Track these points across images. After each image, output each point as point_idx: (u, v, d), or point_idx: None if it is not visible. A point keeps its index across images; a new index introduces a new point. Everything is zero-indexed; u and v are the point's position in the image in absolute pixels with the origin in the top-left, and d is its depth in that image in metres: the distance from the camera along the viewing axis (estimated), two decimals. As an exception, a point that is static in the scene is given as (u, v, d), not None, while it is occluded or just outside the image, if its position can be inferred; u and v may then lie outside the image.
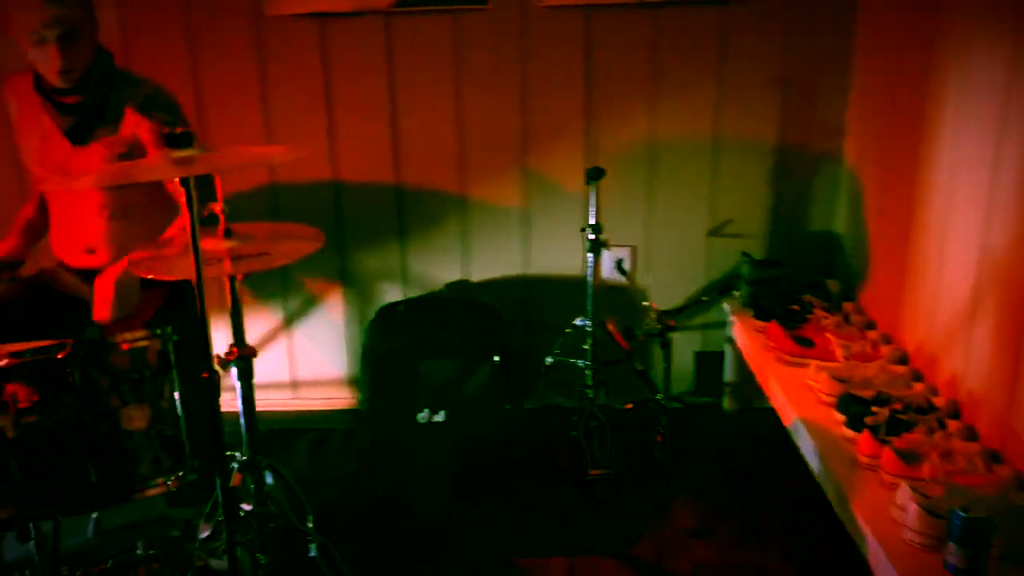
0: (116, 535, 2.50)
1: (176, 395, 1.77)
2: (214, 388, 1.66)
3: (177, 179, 1.54)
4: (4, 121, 2.43)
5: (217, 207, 1.87)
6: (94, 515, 2.42)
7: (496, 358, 2.94)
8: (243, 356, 1.97)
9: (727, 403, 3.14)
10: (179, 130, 1.59)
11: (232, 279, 1.91)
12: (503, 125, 2.95)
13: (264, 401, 3.24)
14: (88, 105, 2.29)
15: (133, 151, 2.32)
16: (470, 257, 3.09)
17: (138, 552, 2.09)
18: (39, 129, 2.34)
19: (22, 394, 1.57)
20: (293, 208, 3.04)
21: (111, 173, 1.85)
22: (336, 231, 3.06)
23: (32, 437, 1.55)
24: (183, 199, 2.30)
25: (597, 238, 2.75)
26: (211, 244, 1.87)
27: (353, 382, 3.20)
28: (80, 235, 2.42)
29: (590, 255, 2.76)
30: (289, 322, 3.18)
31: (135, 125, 2.30)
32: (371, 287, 3.14)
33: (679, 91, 2.90)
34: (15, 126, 2.40)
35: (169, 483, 1.71)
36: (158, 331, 1.72)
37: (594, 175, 2.69)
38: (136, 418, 1.65)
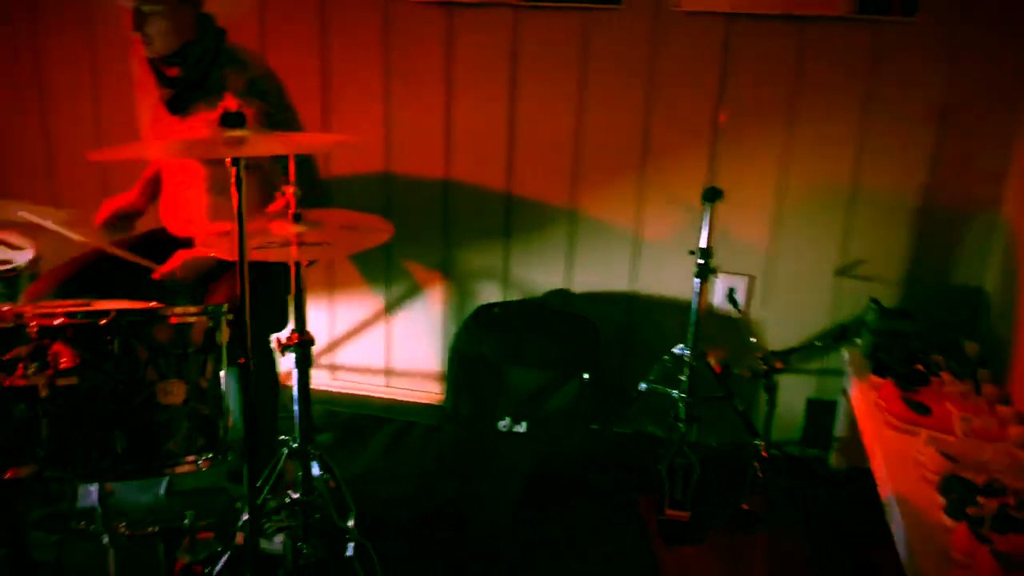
0: (186, 499, 2.55)
1: (222, 375, 1.74)
2: (250, 373, 1.61)
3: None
4: (130, 81, 2.51)
5: (289, 190, 1.83)
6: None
7: (586, 375, 2.80)
8: (302, 343, 1.93)
9: (834, 459, 2.87)
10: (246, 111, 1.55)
11: (297, 265, 1.88)
12: (623, 134, 2.80)
13: (357, 385, 3.24)
14: (187, 79, 2.30)
15: None
16: (574, 267, 2.96)
17: (185, 523, 2.10)
18: (152, 96, 2.39)
19: (65, 355, 1.58)
20: (404, 199, 3.00)
21: (156, 148, 1.84)
22: (443, 225, 3.00)
23: (65, 399, 1.55)
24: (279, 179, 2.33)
25: (707, 263, 2.56)
26: (279, 228, 1.84)
27: (444, 378, 3.14)
28: (183, 204, 2.47)
29: (697, 280, 2.57)
30: (389, 309, 3.16)
31: (235, 105, 2.30)
32: (471, 285, 3.06)
33: (819, 115, 2.65)
34: (135, 90, 2.47)
35: (200, 463, 1.69)
36: (209, 308, 1.69)
37: (710, 195, 2.50)
38: (172, 393, 1.63)
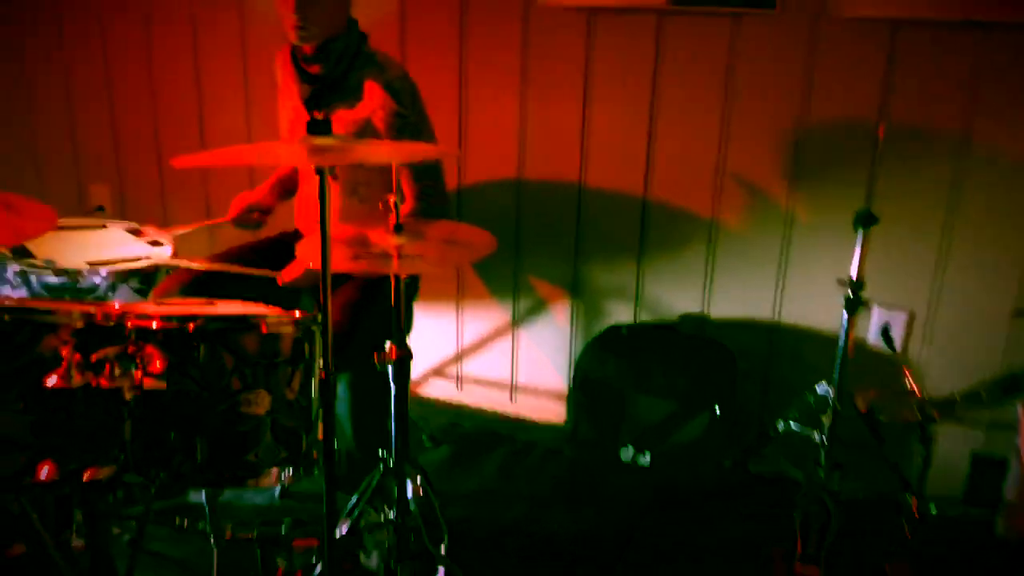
0: (301, 502, 2.55)
1: (314, 386, 1.69)
2: (331, 388, 1.55)
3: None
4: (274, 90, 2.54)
5: (391, 199, 1.77)
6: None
7: (719, 408, 2.59)
8: (400, 358, 1.86)
9: (1001, 526, 2.52)
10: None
11: (397, 278, 1.81)
12: (772, 149, 2.57)
13: (482, 398, 3.17)
14: (327, 77, 2.30)
15: (366, 132, 2.30)
16: (712, 290, 2.76)
17: (282, 530, 2.08)
18: (292, 99, 2.40)
19: (156, 359, 1.57)
20: (535, 209, 2.90)
21: (245, 152, 1.80)
22: (574, 239, 2.87)
23: (150, 403, 1.54)
24: (404, 185, 2.29)
25: (857, 295, 2.30)
26: (379, 237, 1.78)
27: (568, 399, 3.01)
28: (315, 206, 2.47)
29: (845, 313, 2.31)
30: (516, 323, 3.06)
31: (371, 108, 2.28)
32: (600, 303, 2.92)
33: (1002, 135, 2.33)
34: (278, 96, 2.50)
35: (283, 476, 1.64)
36: (297, 318, 1.64)
37: (864, 220, 2.24)
38: (256, 404, 1.59)
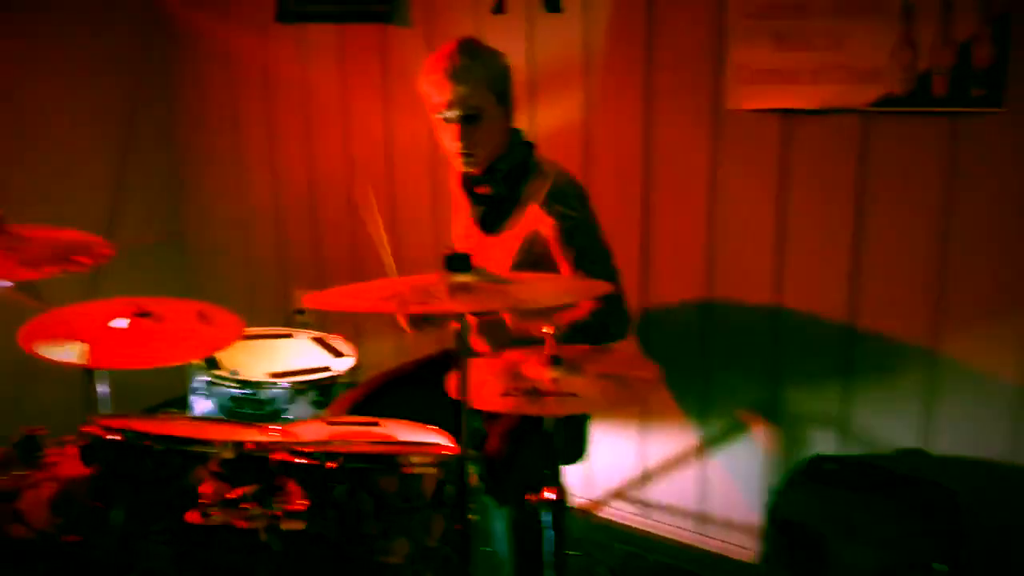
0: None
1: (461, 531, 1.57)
2: (469, 540, 1.42)
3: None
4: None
5: (549, 328, 1.64)
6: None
7: (941, 567, 2.21)
8: (556, 503, 1.71)
9: None
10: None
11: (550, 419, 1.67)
12: (1002, 262, 2.23)
13: (666, 526, 2.92)
14: (496, 196, 2.24)
15: (533, 244, 2.21)
16: (934, 422, 2.40)
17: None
18: (464, 213, 2.37)
19: (296, 496, 1.51)
20: (724, 324, 2.68)
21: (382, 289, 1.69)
22: (770, 358, 2.61)
23: (285, 544, 1.47)
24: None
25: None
26: (533, 370, 1.65)
27: (761, 536, 2.70)
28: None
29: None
30: (705, 447, 2.81)
31: (538, 217, 2.19)
32: (800, 430, 2.62)
33: None
34: (452, 213, 2.48)
35: (425, 632, 1.52)
36: (444, 459, 1.54)
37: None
38: (393, 552, 1.49)
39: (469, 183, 2.29)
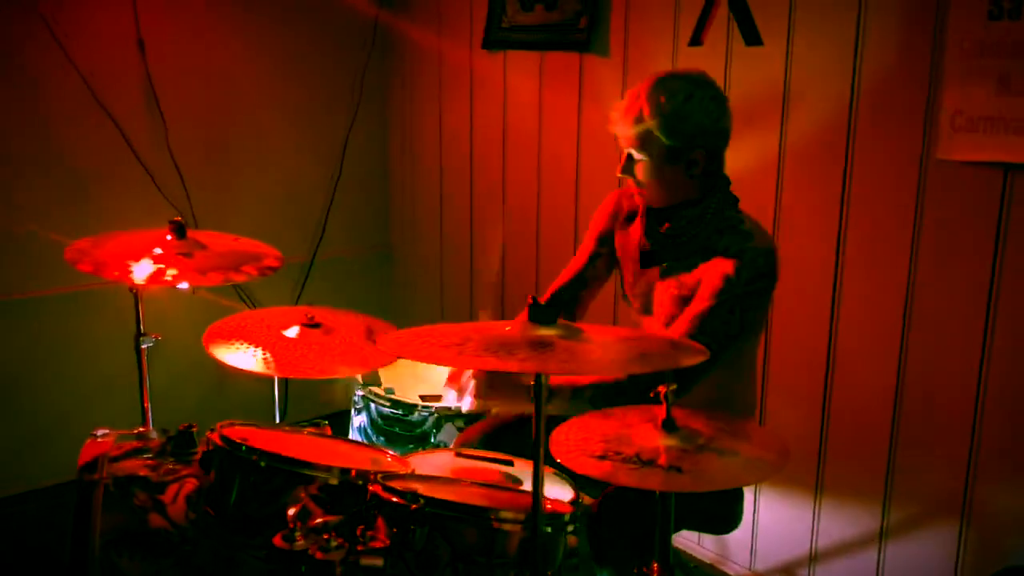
0: None
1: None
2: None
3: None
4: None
5: (661, 389, 1.50)
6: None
7: None
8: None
9: None
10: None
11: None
12: None
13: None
14: (672, 239, 2.09)
15: (690, 297, 2.05)
16: None
17: None
18: (633, 235, 2.22)
19: (382, 531, 1.48)
20: (923, 400, 2.36)
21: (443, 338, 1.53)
22: (968, 448, 2.28)
23: (359, 580, 1.45)
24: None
25: None
26: (643, 436, 1.52)
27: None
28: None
29: None
30: (886, 535, 2.50)
31: (708, 271, 2.00)
32: (995, 532, 2.25)
33: None
34: (616, 241, 2.32)
35: None
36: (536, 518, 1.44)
37: None
38: (464, 605, 1.42)
39: (651, 216, 2.15)
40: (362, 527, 1.47)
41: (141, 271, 2.15)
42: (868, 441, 2.49)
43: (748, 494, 2.70)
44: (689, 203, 2.04)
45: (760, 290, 1.97)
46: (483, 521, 1.43)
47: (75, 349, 3.39)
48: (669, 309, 2.09)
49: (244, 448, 1.62)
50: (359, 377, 2.64)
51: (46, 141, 3.24)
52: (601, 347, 1.38)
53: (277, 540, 1.47)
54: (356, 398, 2.58)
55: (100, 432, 2.17)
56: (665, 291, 2.11)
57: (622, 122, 2.00)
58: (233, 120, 3.66)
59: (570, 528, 1.54)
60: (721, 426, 1.54)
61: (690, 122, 1.96)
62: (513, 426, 2.23)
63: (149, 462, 2.03)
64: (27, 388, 3.32)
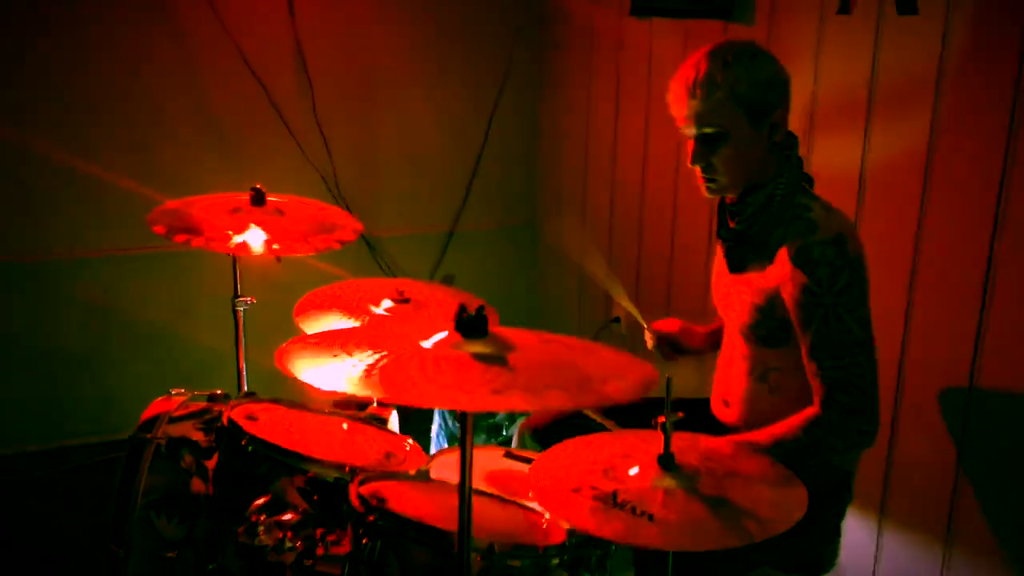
0: None
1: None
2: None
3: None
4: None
5: (661, 418, 1.29)
6: None
7: None
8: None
9: None
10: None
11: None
12: None
13: None
14: (742, 234, 1.85)
15: (774, 307, 1.80)
16: None
17: None
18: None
19: (346, 539, 1.39)
20: None
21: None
22: None
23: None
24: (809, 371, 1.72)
25: None
26: (640, 469, 1.31)
27: None
28: (723, 378, 2.04)
29: None
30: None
31: (781, 277, 1.77)
32: None
33: None
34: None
35: None
36: (485, 547, 1.30)
37: None
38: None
39: (723, 210, 1.94)
40: (322, 530, 1.39)
41: (255, 240, 2.15)
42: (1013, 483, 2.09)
43: (860, 533, 2.39)
44: (755, 187, 1.82)
45: (850, 284, 1.72)
46: (440, 544, 1.30)
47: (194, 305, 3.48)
48: (744, 318, 1.86)
49: (231, 427, 1.58)
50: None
51: (199, 103, 3.39)
52: (525, 368, 1.19)
53: (240, 532, 1.42)
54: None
55: (175, 391, 2.24)
56: (739, 297, 1.89)
57: (691, 97, 1.77)
58: (378, 87, 3.66)
59: (554, 562, 1.36)
60: (745, 467, 1.31)
61: (764, 76, 1.77)
62: (563, 424, 2.07)
63: (202, 426, 2.06)
64: (136, 339, 3.44)
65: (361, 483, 1.40)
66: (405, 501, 1.41)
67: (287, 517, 1.41)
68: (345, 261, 3.60)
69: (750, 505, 1.21)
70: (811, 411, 1.76)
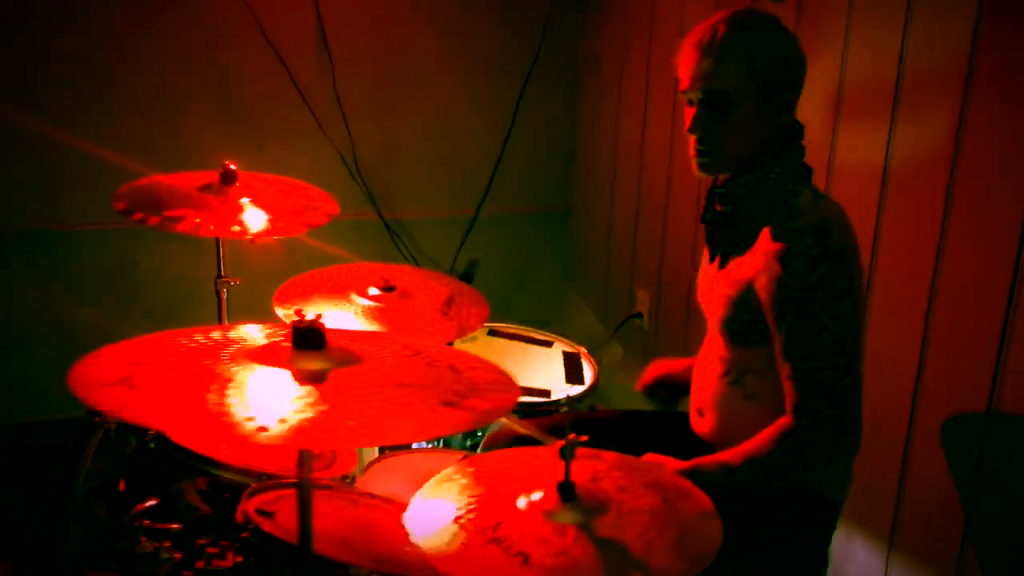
0: None
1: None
2: None
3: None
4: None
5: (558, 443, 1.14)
6: None
7: None
8: None
9: None
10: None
11: None
12: None
13: None
14: (728, 216, 1.68)
15: (749, 298, 1.63)
16: None
17: None
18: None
19: (231, 553, 1.28)
20: None
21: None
22: None
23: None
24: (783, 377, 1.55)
25: None
26: (541, 496, 1.16)
27: None
28: (699, 384, 1.87)
29: None
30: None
31: (755, 265, 1.60)
32: None
33: None
34: None
35: None
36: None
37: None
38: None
39: (712, 195, 1.77)
40: (205, 541, 1.28)
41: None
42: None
43: (869, 559, 2.19)
44: (748, 168, 1.65)
45: (827, 276, 1.53)
46: (312, 569, 1.17)
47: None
48: (719, 312, 1.69)
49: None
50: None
51: (219, 77, 3.32)
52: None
53: (119, 537, 1.33)
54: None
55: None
56: (720, 290, 1.73)
57: (704, 55, 1.61)
58: (401, 66, 3.53)
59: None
60: (662, 501, 1.14)
61: (783, 52, 1.63)
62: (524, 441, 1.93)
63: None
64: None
65: (254, 493, 1.29)
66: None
67: (173, 525, 1.31)
68: (364, 243, 3.52)
69: (645, 552, 1.04)
70: (784, 421, 1.60)
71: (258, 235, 2.07)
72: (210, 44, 3.28)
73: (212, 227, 1.97)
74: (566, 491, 1.12)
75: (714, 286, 1.75)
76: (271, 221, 2.09)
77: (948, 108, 1.96)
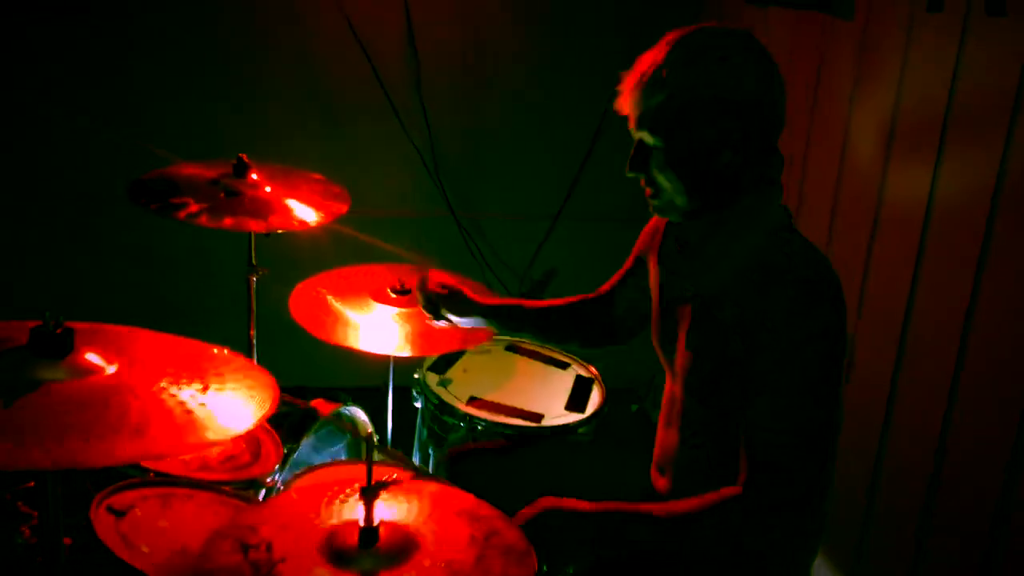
0: None
1: None
2: None
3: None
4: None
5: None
6: None
7: None
8: None
9: None
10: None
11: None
12: None
13: None
14: (688, 264, 1.57)
15: (714, 342, 1.49)
16: None
17: None
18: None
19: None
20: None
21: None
22: None
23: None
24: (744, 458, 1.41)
25: None
26: (341, 529, 1.10)
27: None
28: (661, 441, 1.73)
29: None
30: None
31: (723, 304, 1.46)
32: None
33: None
34: (649, 267, 1.79)
35: None
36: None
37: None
38: None
39: (671, 228, 1.65)
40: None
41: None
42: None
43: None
44: (703, 212, 1.48)
45: (811, 339, 1.35)
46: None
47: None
48: (680, 360, 1.55)
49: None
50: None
51: (309, 74, 3.39)
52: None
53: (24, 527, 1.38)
54: (417, 378, 2.35)
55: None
56: (684, 316, 1.56)
57: (632, 94, 1.45)
58: (486, 66, 3.48)
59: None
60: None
61: (727, 86, 1.38)
62: (482, 454, 1.86)
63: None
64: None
65: (113, 492, 1.30)
66: (168, 518, 1.29)
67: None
68: (431, 242, 3.53)
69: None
70: (732, 490, 1.41)
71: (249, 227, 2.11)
72: (299, 38, 3.35)
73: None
74: (369, 536, 1.05)
75: (679, 341, 1.60)
76: (268, 217, 2.11)
77: (994, 140, 1.72)
